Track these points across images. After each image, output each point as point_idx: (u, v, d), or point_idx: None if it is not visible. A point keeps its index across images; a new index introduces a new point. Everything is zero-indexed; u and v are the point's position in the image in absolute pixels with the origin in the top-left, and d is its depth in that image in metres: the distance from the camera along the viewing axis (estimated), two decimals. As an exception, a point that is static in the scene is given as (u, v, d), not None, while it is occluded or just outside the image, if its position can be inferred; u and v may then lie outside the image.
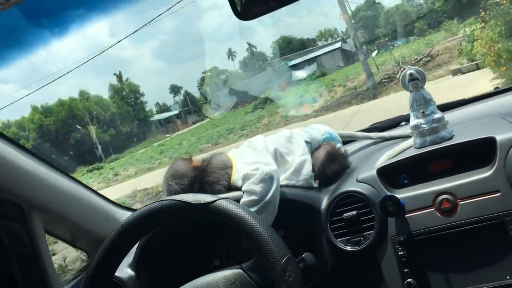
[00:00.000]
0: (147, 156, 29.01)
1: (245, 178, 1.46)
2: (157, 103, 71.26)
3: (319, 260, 1.47)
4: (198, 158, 1.61)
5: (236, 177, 1.50)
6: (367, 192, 1.43)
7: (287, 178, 1.56)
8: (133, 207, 1.81)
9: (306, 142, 1.64)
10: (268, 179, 1.43)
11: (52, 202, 1.48)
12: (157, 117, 58.20)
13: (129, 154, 36.54)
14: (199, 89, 71.72)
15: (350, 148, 1.89)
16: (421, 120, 1.48)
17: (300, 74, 38.08)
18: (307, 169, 1.57)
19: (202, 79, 71.30)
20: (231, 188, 1.51)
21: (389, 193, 1.39)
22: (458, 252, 1.32)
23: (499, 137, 1.34)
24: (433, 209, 1.34)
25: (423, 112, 1.49)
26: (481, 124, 1.59)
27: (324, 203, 1.50)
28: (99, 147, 38.46)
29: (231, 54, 71.81)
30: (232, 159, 1.57)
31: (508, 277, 1.24)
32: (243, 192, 1.45)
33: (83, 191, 1.62)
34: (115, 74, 58.10)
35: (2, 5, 0.84)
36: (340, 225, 1.44)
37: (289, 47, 58.14)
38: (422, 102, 1.49)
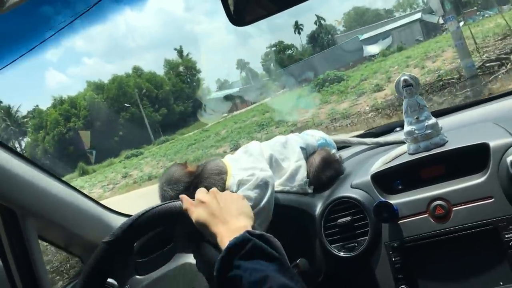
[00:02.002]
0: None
1: (240, 183, 1.46)
2: (218, 80, 64.42)
3: (313, 265, 1.47)
4: (193, 163, 1.61)
5: (231, 183, 1.50)
6: (361, 198, 1.43)
7: (282, 184, 1.56)
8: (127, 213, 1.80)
9: (302, 148, 1.65)
10: (263, 185, 1.44)
11: (45, 208, 1.48)
12: (215, 95, 50.20)
13: (180, 135, 33.08)
14: (262, 65, 66.07)
15: (344, 153, 1.89)
16: (415, 126, 1.49)
17: (372, 49, 33.93)
18: (302, 175, 1.57)
19: (267, 54, 65.82)
20: None
21: (383, 199, 1.40)
22: (451, 258, 1.32)
23: (492, 143, 1.34)
24: (427, 215, 1.34)
25: (417, 118, 1.49)
26: (474, 130, 1.59)
27: (318, 209, 1.50)
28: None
29: (297, 27, 64.33)
30: (227, 164, 1.57)
31: (501, 283, 1.25)
32: None
33: (77, 197, 1.61)
34: (175, 49, 53.95)
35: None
36: (334, 231, 1.45)
37: (362, 19, 53.55)
38: (416, 108, 1.50)
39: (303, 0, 1.03)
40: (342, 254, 1.42)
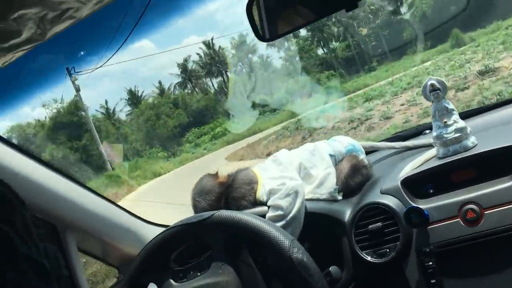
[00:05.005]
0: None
1: (271, 193, 1.49)
2: None
3: (345, 272, 1.48)
4: (224, 174, 1.64)
5: (261, 193, 1.53)
6: (391, 204, 1.44)
7: (312, 192, 1.58)
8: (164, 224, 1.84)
9: (330, 155, 1.66)
10: (293, 194, 1.46)
11: (84, 221, 1.53)
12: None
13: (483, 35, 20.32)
14: None
15: (372, 158, 1.89)
16: (444, 130, 1.48)
17: None
18: (331, 182, 1.59)
19: None
20: (256, 203, 1.54)
21: (413, 204, 1.40)
22: (484, 262, 1.32)
23: None
24: (458, 219, 1.34)
25: (445, 122, 1.49)
26: (504, 131, 1.58)
27: (348, 216, 1.51)
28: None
29: None
30: (257, 174, 1.60)
31: None
32: (269, 207, 1.47)
33: (113, 209, 1.66)
34: None
35: (38, 41, 0.90)
36: (365, 237, 1.45)
37: None
38: (444, 112, 1.50)
39: (327, 14, 1.06)
40: (373, 260, 1.43)
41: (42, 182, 1.40)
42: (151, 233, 1.71)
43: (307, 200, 1.53)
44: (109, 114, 36.39)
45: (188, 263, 1.36)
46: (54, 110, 31.21)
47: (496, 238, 1.29)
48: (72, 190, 1.50)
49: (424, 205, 1.40)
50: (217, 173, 1.64)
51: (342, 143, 1.73)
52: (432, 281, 1.35)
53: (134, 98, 38.24)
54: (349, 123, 12.78)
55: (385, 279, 1.47)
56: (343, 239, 1.51)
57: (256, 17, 1.11)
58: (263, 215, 1.42)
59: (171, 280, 1.33)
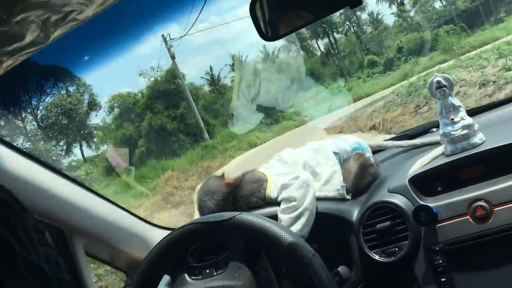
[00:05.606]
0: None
1: (283, 188, 1.48)
2: None
3: (354, 272, 1.47)
4: (230, 176, 1.64)
5: (272, 189, 1.52)
6: (400, 202, 1.42)
7: (319, 189, 1.56)
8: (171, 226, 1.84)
9: (335, 153, 1.65)
10: (305, 186, 1.46)
11: (91, 225, 1.53)
12: None
13: None
14: None
15: (379, 157, 1.88)
16: (451, 127, 1.47)
17: None
18: (338, 180, 1.58)
19: None
20: (266, 199, 1.54)
21: (422, 202, 1.39)
22: (494, 259, 1.30)
23: None
24: (467, 216, 1.33)
25: (452, 119, 1.48)
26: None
27: (356, 215, 1.50)
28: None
29: None
30: (265, 172, 1.60)
31: None
32: (281, 201, 1.47)
33: (121, 213, 1.66)
34: None
35: (41, 44, 0.90)
36: (373, 237, 1.44)
37: None
38: (450, 109, 1.48)
39: (331, 12, 1.05)
40: (382, 259, 1.42)
41: (49, 187, 1.40)
42: (158, 236, 1.70)
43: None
44: (213, 81, 34.26)
45: (205, 260, 1.35)
46: (152, 79, 30.54)
47: (506, 235, 1.28)
48: (79, 195, 1.51)
49: (432, 203, 1.39)
50: (223, 174, 1.64)
51: (347, 141, 1.72)
52: (442, 279, 1.33)
53: (237, 64, 36.75)
54: (480, 88, 9.64)
55: (394, 278, 1.46)
56: (351, 238, 1.50)
57: (260, 17, 1.11)
58: (275, 215, 1.42)
59: (186, 275, 1.32)
